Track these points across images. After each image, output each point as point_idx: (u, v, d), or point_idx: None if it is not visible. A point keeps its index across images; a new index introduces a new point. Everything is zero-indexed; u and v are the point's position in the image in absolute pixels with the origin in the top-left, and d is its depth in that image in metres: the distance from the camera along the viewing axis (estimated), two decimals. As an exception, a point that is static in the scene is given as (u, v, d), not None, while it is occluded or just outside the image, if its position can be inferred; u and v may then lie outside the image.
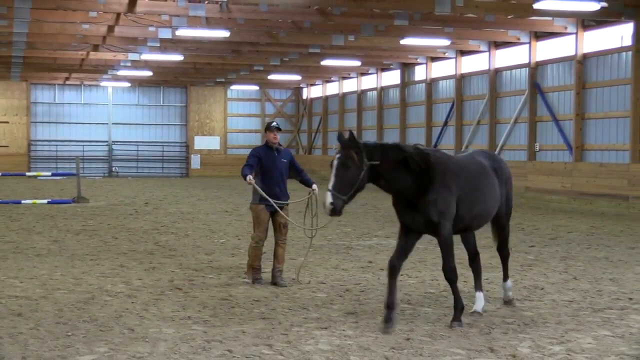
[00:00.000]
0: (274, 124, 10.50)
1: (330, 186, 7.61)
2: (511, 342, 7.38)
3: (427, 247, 14.42)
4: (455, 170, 8.18)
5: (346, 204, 7.71)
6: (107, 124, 46.82)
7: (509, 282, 9.23)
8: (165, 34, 25.91)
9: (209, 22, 23.64)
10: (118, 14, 23.26)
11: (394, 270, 7.99)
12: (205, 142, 48.04)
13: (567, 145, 25.29)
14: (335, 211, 7.61)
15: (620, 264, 12.47)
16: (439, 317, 8.44)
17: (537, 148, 26.97)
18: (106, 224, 17.90)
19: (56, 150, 45.87)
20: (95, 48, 30.50)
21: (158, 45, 29.00)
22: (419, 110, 34.82)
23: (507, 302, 9.13)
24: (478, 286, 8.84)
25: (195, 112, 47.99)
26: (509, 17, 23.85)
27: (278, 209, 10.34)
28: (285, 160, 10.53)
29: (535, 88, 26.88)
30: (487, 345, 7.24)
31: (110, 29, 25.05)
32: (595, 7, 20.28)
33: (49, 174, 31.45)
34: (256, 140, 49.17)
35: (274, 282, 10.32)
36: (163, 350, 6.97)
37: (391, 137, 37.36)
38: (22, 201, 23.56)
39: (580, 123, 24.79)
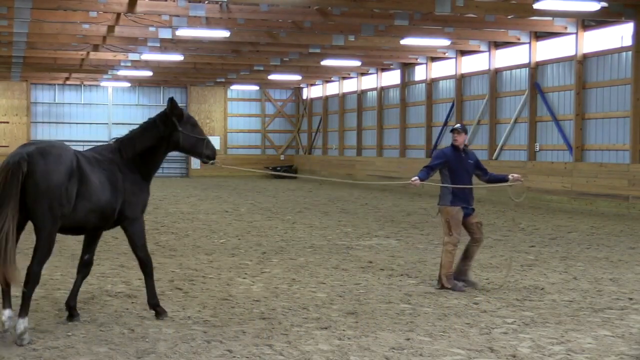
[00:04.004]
0: (457, 125, 10.30)
1: None
2: (511, 342, 7.37)
3: (427, 247, 14.42)
4: None
5: None
6: (107, 124, 46.81)
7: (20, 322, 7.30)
8: (165, 34, 25.93)
9: (209, 22, 23.66)
10: (118, 14, 23.27)
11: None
12: (206, 142, 47.98)
13: (567, 145, 25.29)
14: None
15: (620, 264, 12.47)
16: (439, 317, 8.43)
17: (537, 148, 26.97)
18: (106, 224, 17.88)
19: (56, 151, 45.86)
20: (96, 48, 30.51)
21: (158, 45, 29.03)
22: (419, 110, 34.82)
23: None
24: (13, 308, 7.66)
25: (196, 112, 47.93)
26: (509, 17, 23.87)
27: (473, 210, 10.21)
28: (471, 162, 10.30)
29: (536, 88, 26.88)
30: (487, 345, 7.24)
31: (111, 29, 25.05)
32: (595, 7, 20.30)
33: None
34: (256, 140, 49.27)
35: (466, 279, 10.19)
36: (163, 350, 6.96)
37: (391, 137, 37.42)
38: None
39: (580, 123, 24.79)
